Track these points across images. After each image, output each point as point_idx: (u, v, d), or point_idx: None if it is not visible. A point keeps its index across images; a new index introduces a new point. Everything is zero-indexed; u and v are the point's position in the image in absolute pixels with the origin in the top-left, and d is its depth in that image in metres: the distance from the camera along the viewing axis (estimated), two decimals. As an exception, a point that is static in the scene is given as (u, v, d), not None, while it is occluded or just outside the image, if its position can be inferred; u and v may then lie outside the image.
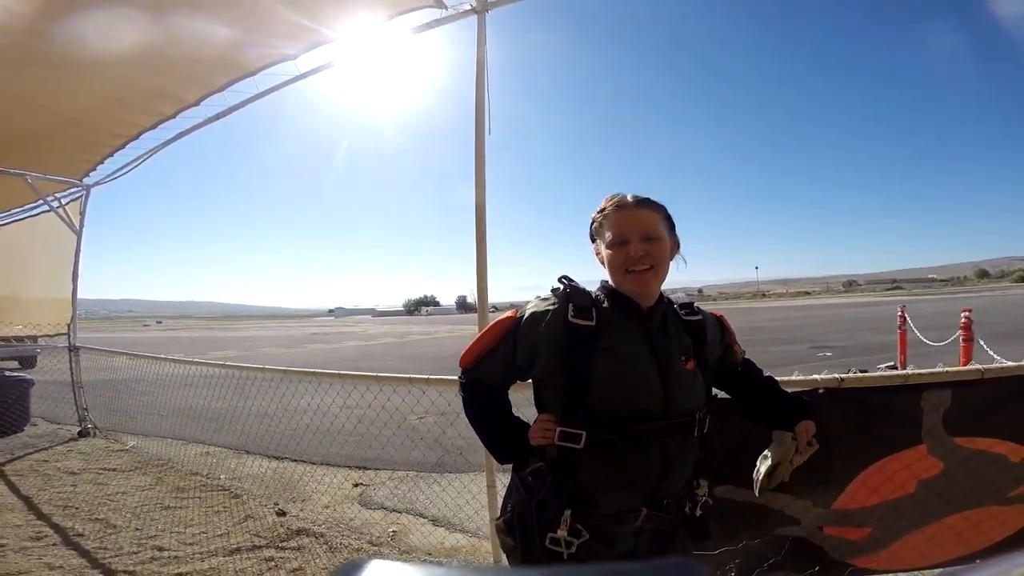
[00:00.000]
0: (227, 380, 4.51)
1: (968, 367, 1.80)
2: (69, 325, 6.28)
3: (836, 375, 1.85)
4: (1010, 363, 1.91)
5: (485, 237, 2.70)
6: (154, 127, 4.00)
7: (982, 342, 7.34)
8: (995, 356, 6.51)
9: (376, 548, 3.07)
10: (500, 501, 1.46)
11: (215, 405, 5.20)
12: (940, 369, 1.79)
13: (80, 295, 6.38)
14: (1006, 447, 1.80)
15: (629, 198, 1.31)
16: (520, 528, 1.29)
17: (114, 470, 4.65)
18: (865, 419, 1.82)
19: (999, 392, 1.78)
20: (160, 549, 3.03)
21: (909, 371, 1.85)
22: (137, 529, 3.31)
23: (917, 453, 1.82)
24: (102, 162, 4.86)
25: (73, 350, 6.26)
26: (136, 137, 4.16)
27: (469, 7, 2.79)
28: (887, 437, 1.82)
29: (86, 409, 6.13)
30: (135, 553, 2.98)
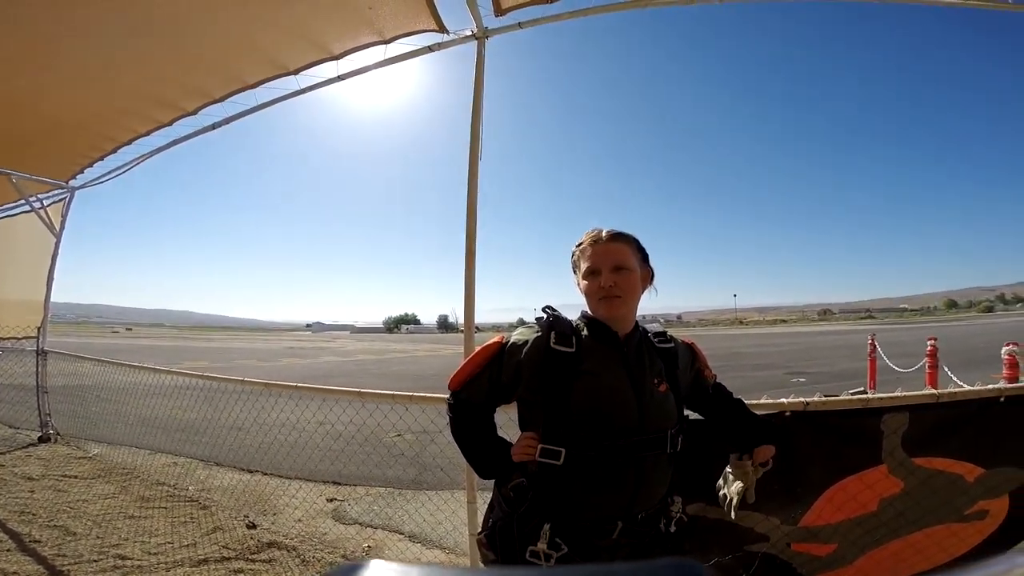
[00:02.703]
0: (197, 391, 4.42)
1: (924, 391, 1.91)
2: (39, 328, 6.11)
3: (802, 399, 1.94)
4: (965, 387, 2.03)
5: (474, 260, 2.72)
6: (148, 133, 3.98)
7: (947, 369, 7.62)
8: (958, 382, 6.77)
9: (351, 564, 3.02)
10: (480, 518, 1.50)
11: (184, 416, 5.08)
12: (899, 393, 1.90)
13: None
14: (962, 467, 1.92)
15: (604, 233, 1.41)
16: (501, 542, 1.34)
17: (75, 477, 4.50)
18: (829, 440, 1.92)
19: (953, 414, 1.90)
20: (123, 558, 2.94)
21: (870, 395, 1.96)
22: (98, 537, 3.21)
23: (879, 473, 1.92)
24: (91, 165, 4.80)
25: (41, 354, 6.09)
26: (129, 142, 4.13)
27: (470, 32, 2.88)
28: (850, 457, 1.92)
29: (48, 414, 5.94)
30: (95, 561, 2.89)
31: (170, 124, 3.92)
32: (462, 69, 2.89)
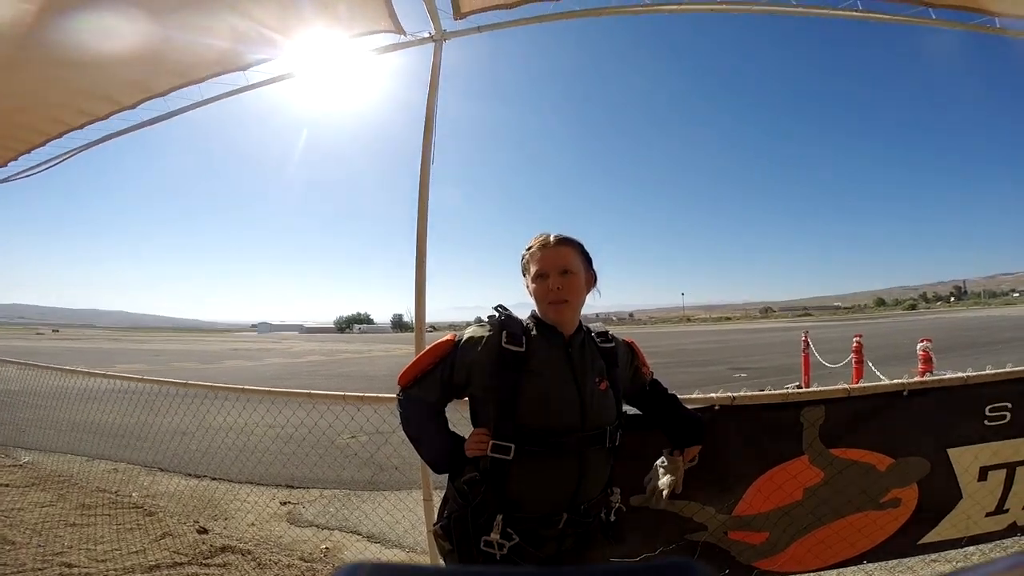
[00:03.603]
0: (135, 395, 4.24)
1: (837, 386, 2.10)
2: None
3: (730, 394, 2.09)
4: (883, 381, 2.22)
5: (425, 260, 2.73)
6: (82, 127, 3.74)
7: (871, 364, 8.26)
8: (880, 376, 7.40)
9: (308, 564, 3.01)
10: (436, 513, 1.57)
11: (122, 421, 4.86)
12: (815, 388, 2.09)
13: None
14: (873, 457, 2.11)
15: (551, 238, 1.50)
16: (456, 532, 1.41)
17: (7, 485, 4.26)
18: (755, 433, 2.07)
19: (863, 408, 2.09)
20: (69, 566, 2.83)
21: (789, 390, 2.14)
22: (40, 546, 3.08)
23: (801, 464, 2.09)
24: (15, 159, 4.46)
25: (-43, 359, 5.67)
26: (59, 136, 3.86)
27: (428, 35, 2.87)
28: (774, 449, 2.08)
29: (-31, 423, 5.56)
30: (40, 570, 2.78)
31: (106, 118, 3.69)
32: (424, 69, 2.86)
